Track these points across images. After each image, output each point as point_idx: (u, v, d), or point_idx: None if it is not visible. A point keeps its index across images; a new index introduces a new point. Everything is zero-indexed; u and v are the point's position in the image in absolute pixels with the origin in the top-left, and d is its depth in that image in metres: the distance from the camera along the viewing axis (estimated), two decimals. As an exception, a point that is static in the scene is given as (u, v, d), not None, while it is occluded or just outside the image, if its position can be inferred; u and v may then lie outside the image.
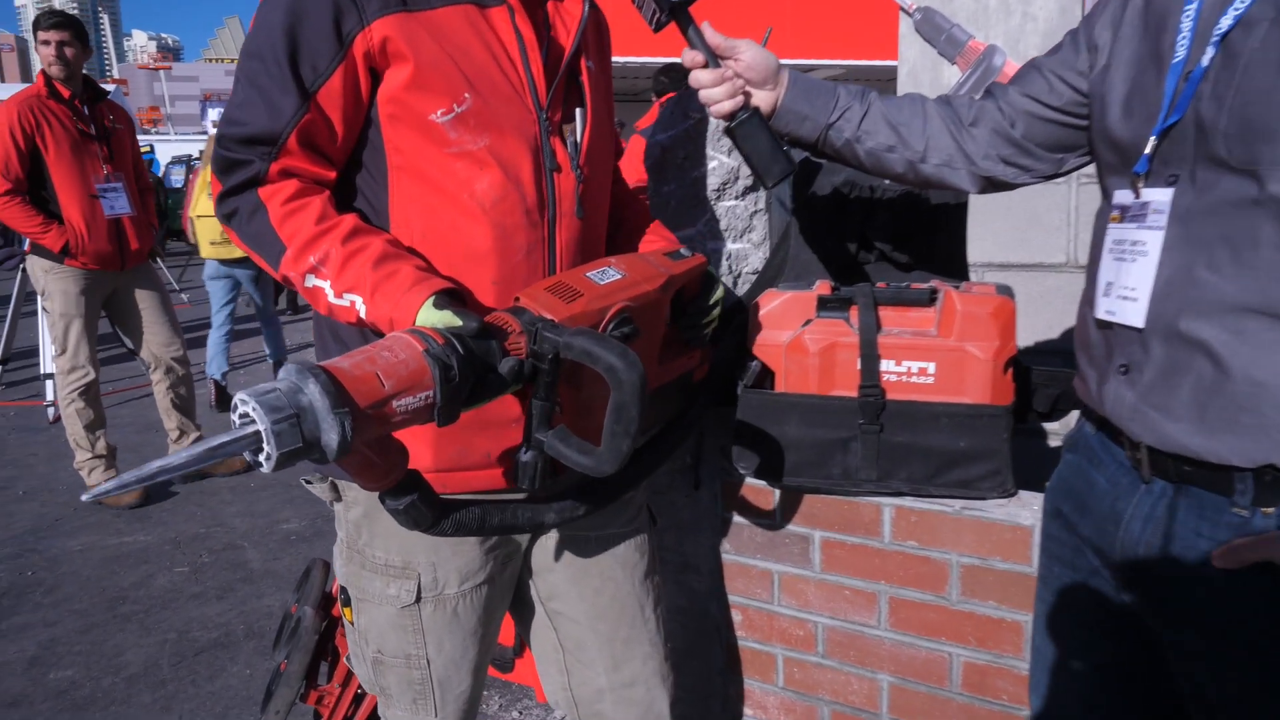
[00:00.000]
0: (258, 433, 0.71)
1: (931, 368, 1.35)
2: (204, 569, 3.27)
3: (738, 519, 1.60)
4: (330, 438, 0.74)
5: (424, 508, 0.91)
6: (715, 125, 1.70)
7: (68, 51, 3.74)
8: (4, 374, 6.19)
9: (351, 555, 1.19)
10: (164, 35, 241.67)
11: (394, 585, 1.15)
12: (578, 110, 1.14)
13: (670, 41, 1.19)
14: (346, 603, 1.21)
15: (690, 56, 1.17)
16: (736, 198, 1.73)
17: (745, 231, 1.74)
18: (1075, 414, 1.13)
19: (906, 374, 1.36)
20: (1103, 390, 0.98)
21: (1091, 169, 1.09)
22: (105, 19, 67.96)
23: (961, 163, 1.14)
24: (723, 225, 1.74)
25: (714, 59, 1.16)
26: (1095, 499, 1.01)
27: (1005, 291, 1.37)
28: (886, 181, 1.54)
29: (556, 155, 1.10)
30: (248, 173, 1.01)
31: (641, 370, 0.86)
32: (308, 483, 1.20)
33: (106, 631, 2.84)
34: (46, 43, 3.73)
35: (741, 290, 1.72)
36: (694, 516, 1.66)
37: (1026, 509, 1.37)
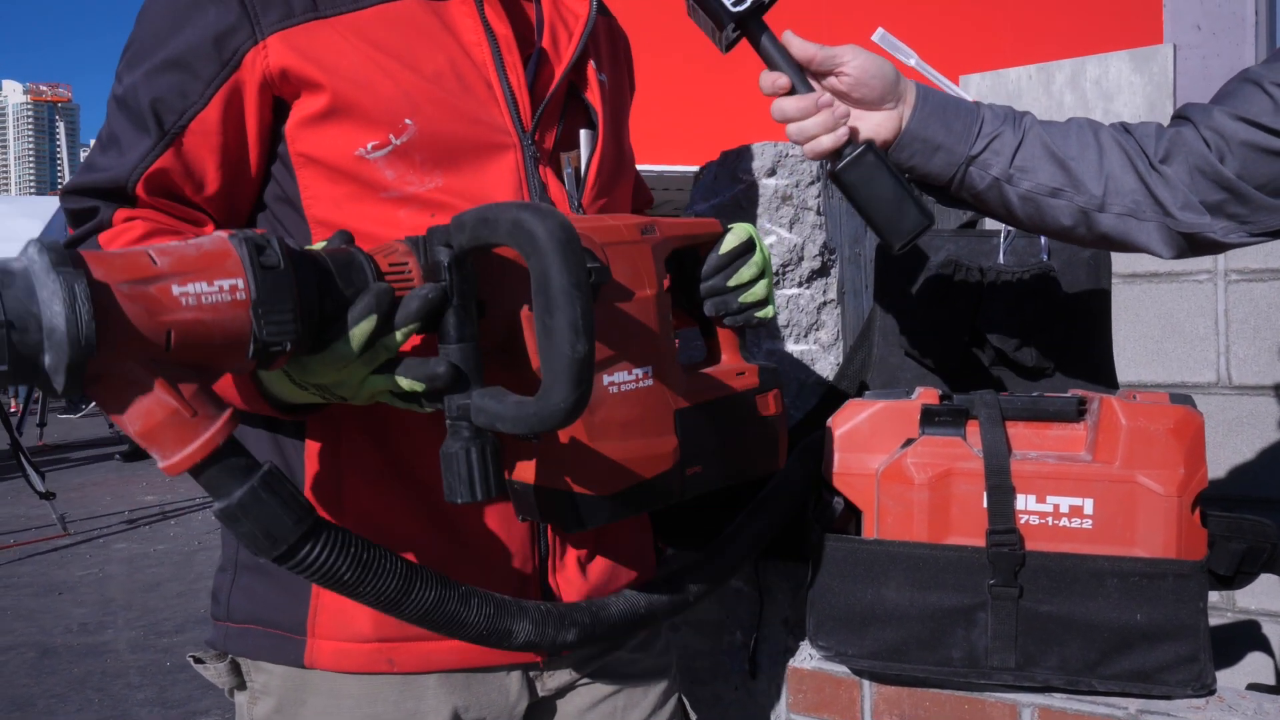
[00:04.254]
0: None
1: (1088, 506, 1.19)
2: None
3: None
4: (53, 311, 0.59)
5: (277, 504, 0.71)
6: (772, 192, 1.60)
7: None
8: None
9: None
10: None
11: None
12: (583, 133, 1.06)
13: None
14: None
15: (770, 81, 1.07)
16: (800, 284, 1.66)
17: (812, 329, 1.65)
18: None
19: (1053, 514, 1.20)
20: None
21: (1246, 258, 0.96)
22: (61, 127, 72.80)
23: (1151, 213, 1.03)
24: (782, 320, 1.66)
25: (803, 80, 1.07)
26: None
27: (1183, 401, 1.21)
28: (1001, 259, 1.45)
29: (549, 191, 1.02)
30: (92, 223, 0.96)
31: (563, 219, 0.73)
32: (197, 661, 1.02)
33: None
34: None
35: (809, 404, 1.58)
36: (747, 718, 1.49)
37: (1235, 714, 1.18)
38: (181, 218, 0.96)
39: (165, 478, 7.96)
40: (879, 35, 1.38)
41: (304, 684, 0.96)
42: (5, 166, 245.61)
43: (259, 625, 0.97)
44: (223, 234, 0.73)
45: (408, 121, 0.94)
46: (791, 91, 1.06)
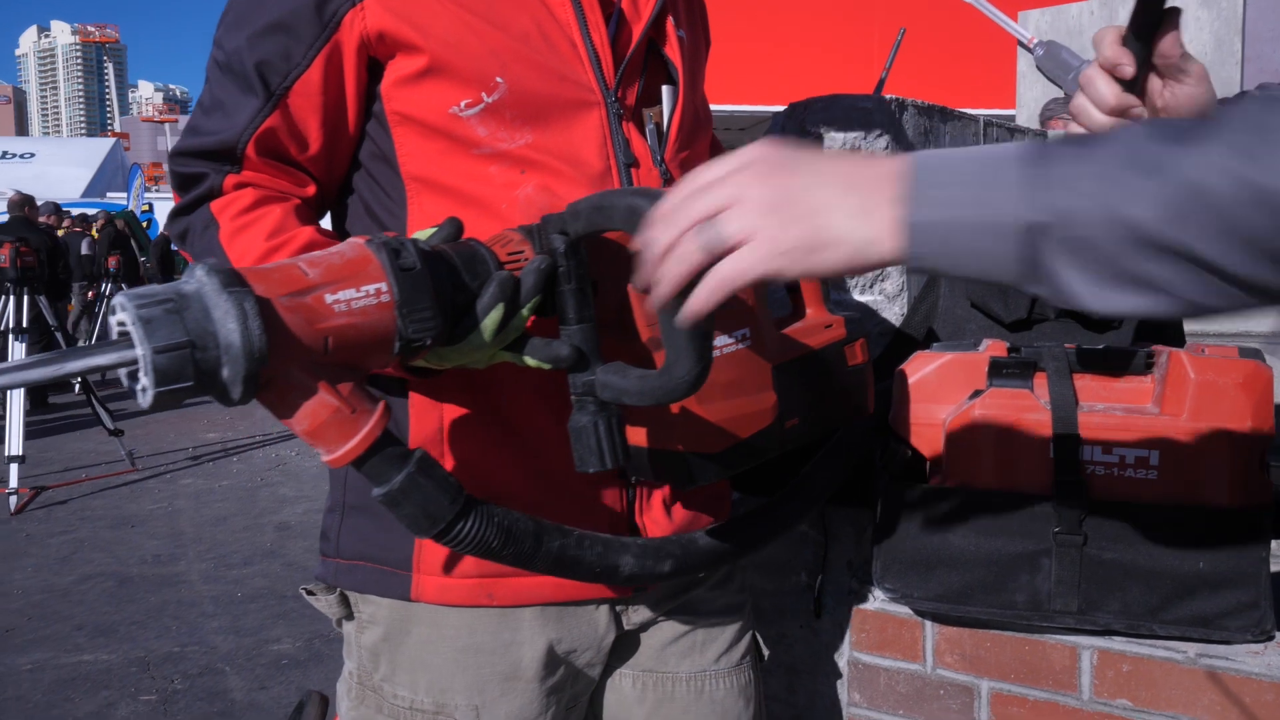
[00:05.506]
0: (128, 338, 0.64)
1: (1154, 457, 1.20)
2: (175, 698, 3.22)
3: (872, 660, 1.46)
4: (228, 329, 0.64)
5: (432, 487, 0.77)
6: (840, 145, 1.60)
7: None
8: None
9: (364, 694, 1.07)
10: (172, 86, 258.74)
11: (420, 737, 1.04)
12: (665, 89, 1.07)
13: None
14: (353, 758, 1.07)
15: (1112, 53, 0.89)
16: (867, 236, 1.64)
17: (877, 279, 1.67)
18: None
19: (1119, 465, 1.22)
20: None
21: None
22: (110, 68, 73.11)
23: None
24: None
25: (1134, 81, 0.89)
26: None
27: (1253, 354, 1.22)
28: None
29: (632, 147, 1.03)
30: (201, 188, 0.99)
31: None
32: (309, 593, 1.09)
33: (50, 776, 2.76)
34: None
35: (874, 353, 1.60)
36: (812, 655, 1.53)
37: (1293, 659, 1.20)
38: (286, 178, 1.00)
39: (227, 415, 8.16)
40: None
41: (409, 615, 1.02)
42: (56, 108, 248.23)
43: (367, 562, 1.02)
44: (359, 241, 0.78)
45: (498, 80, 0.96)
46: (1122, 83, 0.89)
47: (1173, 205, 0.56)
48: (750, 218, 0.64)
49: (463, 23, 0.96)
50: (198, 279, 0.67)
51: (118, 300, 0.65)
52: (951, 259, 0.63)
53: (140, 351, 0.63)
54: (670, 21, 1.10)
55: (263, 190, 0.99)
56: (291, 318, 0.69)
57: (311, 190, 1.03)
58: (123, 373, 0.66)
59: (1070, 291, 0.60)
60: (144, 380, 0.64)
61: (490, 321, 0.81)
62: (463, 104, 0.96)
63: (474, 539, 0.79)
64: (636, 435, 0.93)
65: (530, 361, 0.85)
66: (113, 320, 0.66)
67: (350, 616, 1.08)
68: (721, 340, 0.92)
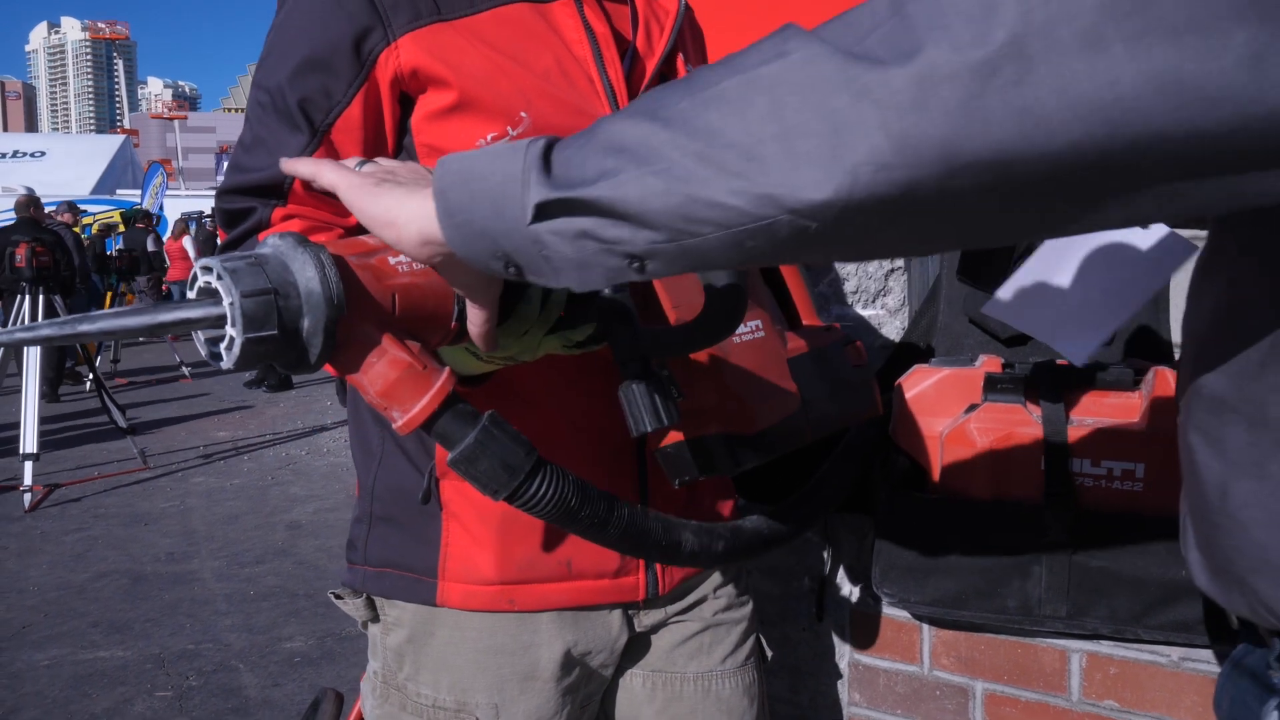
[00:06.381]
0: (212, 294, 0.66)
1: (1140, 469, 1.25)
2: (190, 694, 3.26)
3: (871, 661, 1.51)
4: (307, 276, 0.66)
5: (506, 439, 0.74)
6: None
7: None
8: (-21, 453, 6.37)
9: (388, 692, 1.11)
10: (181, 83, 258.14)
11: (442, 732, 1.08)
12: None
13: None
14: (377, 754, 1.12)
15: None
16: (869, 253, 1.69)
17: (879, 294, 1.69)
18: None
19: (1106, 477, 1.26)
20: None
21: None
22: (120, 65, 72.96)
23: None
24: (850, 287, 1.69)
25: None
26: None
27: None
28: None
29: None
30: (250, 221, 1.02)
31: None
32: (337, 597, 1.13)
33: (71, 769, 2.80)
34: None
35: (876, 366, 1.64)
36: (814, 656, 1.57)
37: (1272, 663, 1.23)
38: (329, 209, 1.03)
39: (237, 414, 8.23)
40: None
41: (433, 618, 1.06)
42: (66, 104, 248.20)
43: (394, 569, 1.07)
44: None
45: (523, 114, 1.00)
46: None
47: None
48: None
49: (490, 61, 1.00)
50: (271, 243, 0.69)
51: (203, 262, 0.66)
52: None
53: (228, 300, 0.64)
54: (680, 58, 1.14)
55: (309, 220, 1.02)
56: (363, 274, 0.71)
57: (353, 220, 1.05)
58: (201, 344, 0.68)
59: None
60: (231, 331, 0.65)
61: (535, 291, 0.82)
62: (489, 136, 1.00)
63: (553, 495, 0.76)
64: (672, 436, 0.95)
65: (576, 335, 0.86)
66: (198, 281, 0.67)
67: (376, 619, 1.12)
68: (740, 328, 0.95)
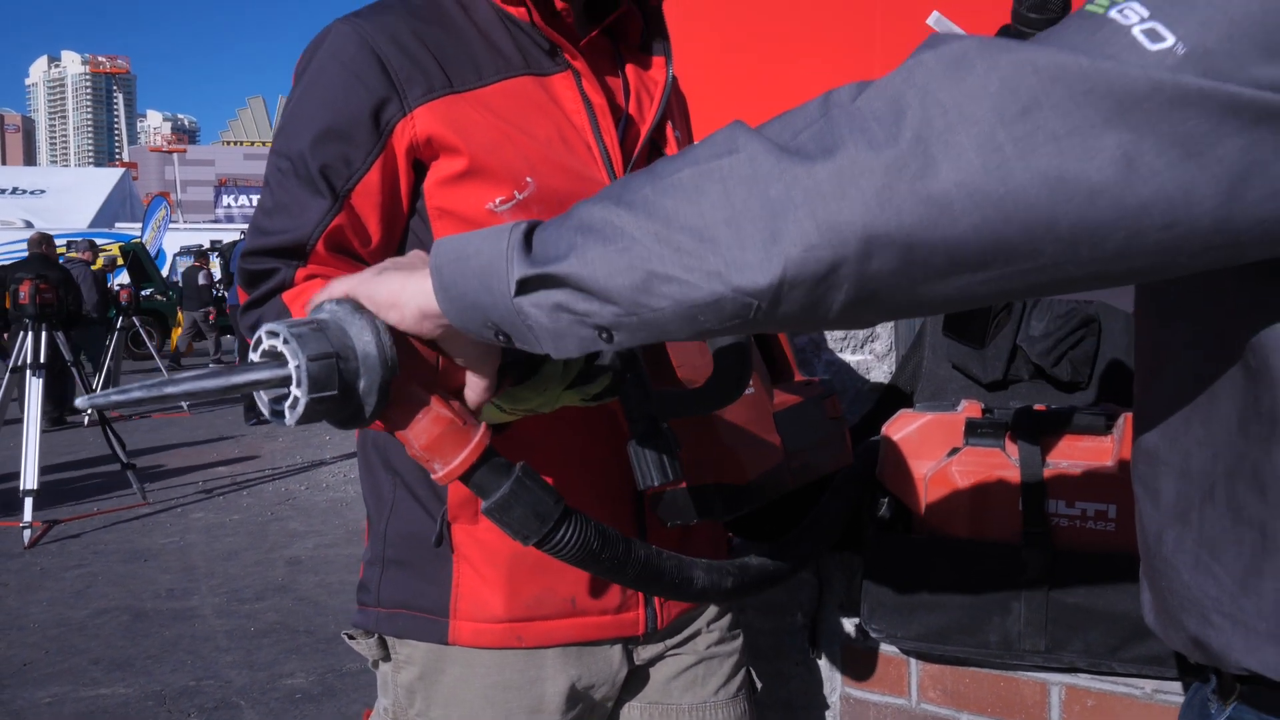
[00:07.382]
0: (276, 357, 0.71)
1: (1112, 510, 1.30)
2: None
3: (861, 695, 1.55)
4: (365, 340, 0.72)
5: (538, 489, 0.80)
6: None
7: None
8: (-21, 489, 6.39)
9: None
10: (180, 116, 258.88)
11: (452, 767, 1.13)
12: None
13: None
14: (388, 787, 1.17)
15: None
16: (857, 300, 1.75)
17: (868, 340, 1.75)
18: None
19: (1080, 517, 1.32)
20: None
21: None
22: (119, 98, 73.31)
23: None
24: (840, 333, 1.74)
25: None
26: None
27: None
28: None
29: None
30: (273, 281, 1.08)
31: None
32: (350, 638, 1.19)
33: (75, 806, 2.81)
34: None
35: (864, 409, 1.71)
36: (807, 691, 1.61)
37: (1241, 695, 1.28)
38: (348, 268, 1.07)
39: (235, 449, 8.24)
40: (934, 19, 1.38)
41: (443, 656, 1.11)
42: (65, 137, 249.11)
43: (407, 610, 1.12)
44: None
45: (528, 180, 1.07)
46: None
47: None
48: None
49: (499, 130, 1.07)
50: (329, 309, 0.75)
51: (267, 327, 0.72)
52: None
53: (294, 363, 0.70)
54: (669, 126, 1.21)
55: (330, 280, 1.09)
56: (411, 339, 0.77)
57: None
58: (264, 402, 0.74)
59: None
60: (296, 392, 0.70)
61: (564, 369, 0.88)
62: (497, 200, 1.07)
63: (577, 540, 0.81)
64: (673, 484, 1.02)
65: (592, 389, 0.91)
66: (262, 344, 0.73)
67: (387, 658, 1.17)
68: None
